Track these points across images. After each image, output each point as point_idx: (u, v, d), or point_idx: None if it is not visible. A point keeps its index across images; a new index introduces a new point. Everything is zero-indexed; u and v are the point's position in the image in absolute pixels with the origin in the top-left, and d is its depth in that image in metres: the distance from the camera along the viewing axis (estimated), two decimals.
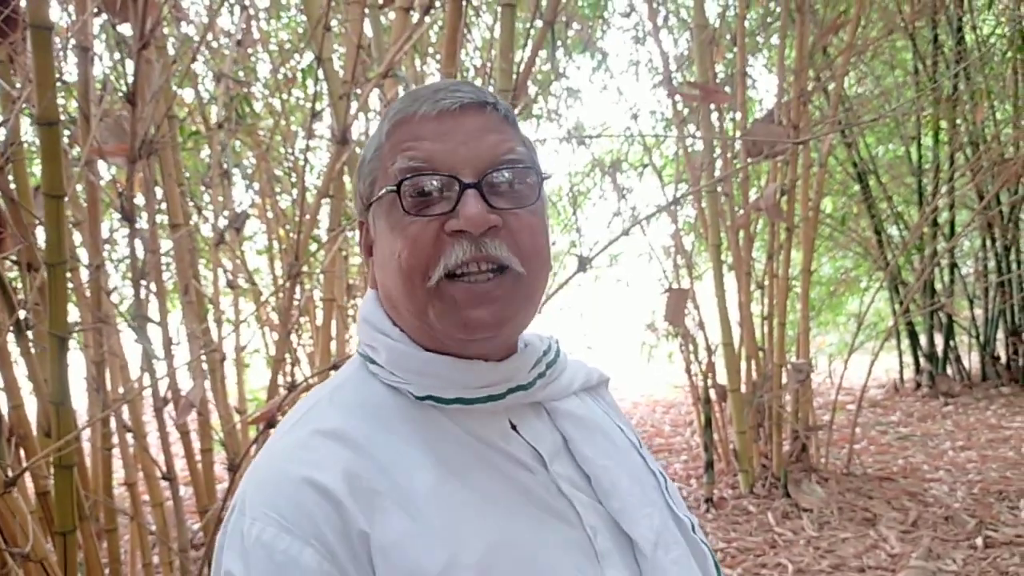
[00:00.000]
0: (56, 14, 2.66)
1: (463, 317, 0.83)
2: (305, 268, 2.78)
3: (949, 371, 7.33)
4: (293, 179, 4.49)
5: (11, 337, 2.08)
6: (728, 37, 4.94)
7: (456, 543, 0.79)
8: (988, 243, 7.10)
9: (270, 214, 4.36)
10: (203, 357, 2.72)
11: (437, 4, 2.42)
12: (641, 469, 0.97)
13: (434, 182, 0.84)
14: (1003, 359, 7.37)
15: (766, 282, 4.75)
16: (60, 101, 2.74)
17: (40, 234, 2.33)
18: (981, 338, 7.37)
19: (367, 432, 0.84)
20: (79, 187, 2.57)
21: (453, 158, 0.84)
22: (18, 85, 2.34)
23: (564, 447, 0.94)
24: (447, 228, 0.83)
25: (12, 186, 2.09)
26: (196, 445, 2.84)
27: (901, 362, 7.62)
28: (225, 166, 3.51)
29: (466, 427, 0.88)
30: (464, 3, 2.21)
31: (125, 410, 2.78)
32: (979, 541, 3.66)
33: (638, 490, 0.93)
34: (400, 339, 0.89)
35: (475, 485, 0.84)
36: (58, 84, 1.93)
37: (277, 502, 0.77)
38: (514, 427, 0.91)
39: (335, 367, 2.32)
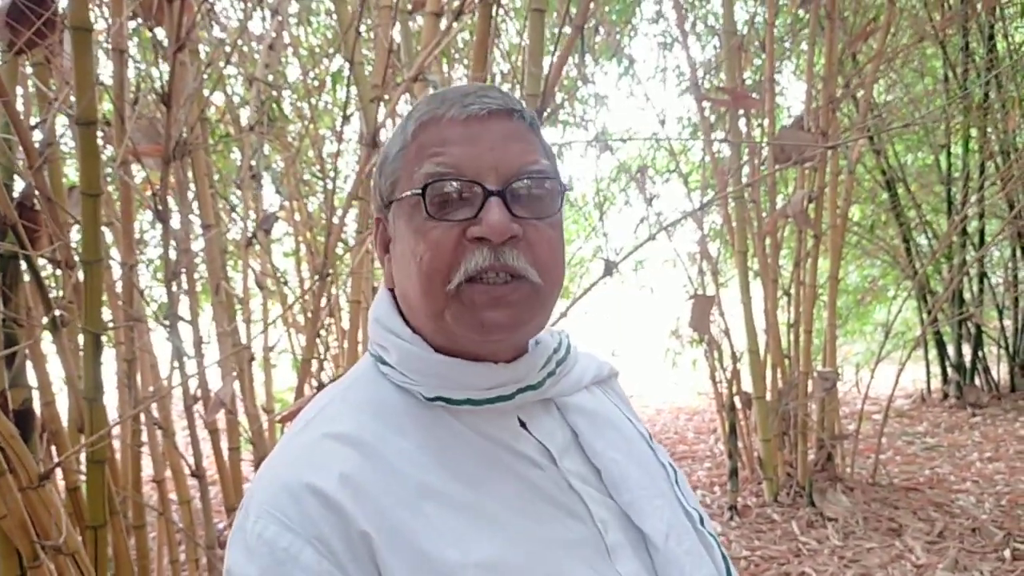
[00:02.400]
0: (91, 17, 2.70)
1: (480, 318, 0.84)
2: (331, 270, 2.80)
3: (977, 382, 7.24)
4: (322, 182, 4.53)
5: (46, 335, 2.12)
6: (756, 43, 4.92)
7: (464, 543, 0.80)
8: (1018, 253, 7.02)
9: (297, 217, 4.39)
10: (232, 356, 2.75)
11: (466, 9, 2.43)
12: (651, 461, 0.98)
13: (459, 188, 0.84)
14: None
15: (793, 289, 4.73)
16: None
17: (74, 233, 2.37)
18: (1010, 349, 7.29)
19: (377, 433, 0.85)
20: (111, 187, 2.61)
21: (479, 164, 0.85)
22: (54, 87, 2.38)
23: (574, 442, 0.96)
24: (468, 234, 0.83)
25: (48, 185, 2.12)
26: (224, 444, 2.87)
27: (929, 372, 7.54)
28: (255, 169, 3.54)
29: (475, 427, 0.89)
30: (494, 8, 2.22)
31: (154, 407, 2.82)
32: (1007, 553, 3.61)
33: (648, 482, 0.94)
34: (411, 340, 0.90)
35: (484, 485, 0.85)
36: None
37: (280, 502, 0.78)
38: (524, 424, 0.92)
39: None
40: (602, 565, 0.86)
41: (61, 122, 2.82)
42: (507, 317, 0.84)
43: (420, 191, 0.85)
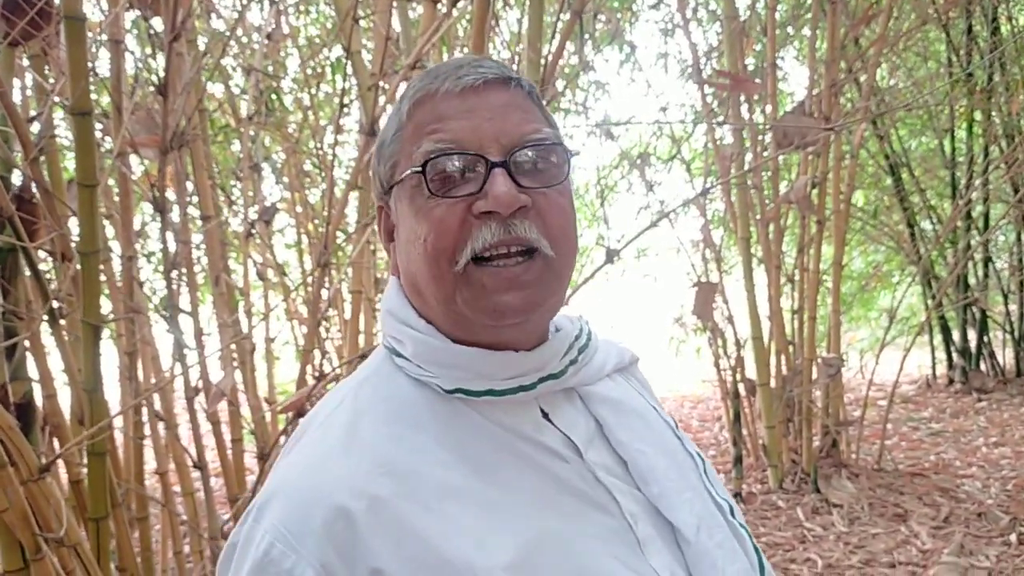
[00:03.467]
0: (89, 9, 2.69)
1: (492, 303, 0.80)
2: (333, 260, 2.79)
3: (983, 366, 7.23)
4: (322, 174, 4.52)
5: (45, 327, 2.11)
6: (758, 28, 4.89)
7: (490, 544, 0.76)
8: (1023, 237, 6.99)
9: (299, 208, 4.39)
10: (233, 347, 2.75)
11: None
12: (678, 451, 0.94)
13: (460, 162, 0.81)
14: None
15: (796, 276, 4.71)
16: (92, 95, 2.77)
17: (73, 225, 2.37)
18: (1016, 333, 7.26)
19: (394, 433, 0.82)
20: (111, 180, 2.60)
21: (479, 136, 0.81)
22: (52, 80, 2.37)
23: (599, 432, 0.92)
24: (475, 209, 0.80)
25: (46, 178, 2.11)
26: (227, 436, 2.87)
27: (934, 357, 7.52)
28: (255, 160, 3.53)
29: (496, 419, 0.85)
30: None
31: (157, 400, 2.81)
32: (1013, 538, 3.61)
33: (676, 474, 0.91)
34: (427, 331, 0.86)
35: (507, 481, 0.82)
36: (91, 77, 1.95)
37: (291, 518, 0.75)
38: (546, 415, 0.89)
39: (364, 356, 2.33)
40: (634, 559, 0.83)
41: (59, 115, 2.82)
42: (521, 300, 0.81)
43: (420, 168, 0.82)
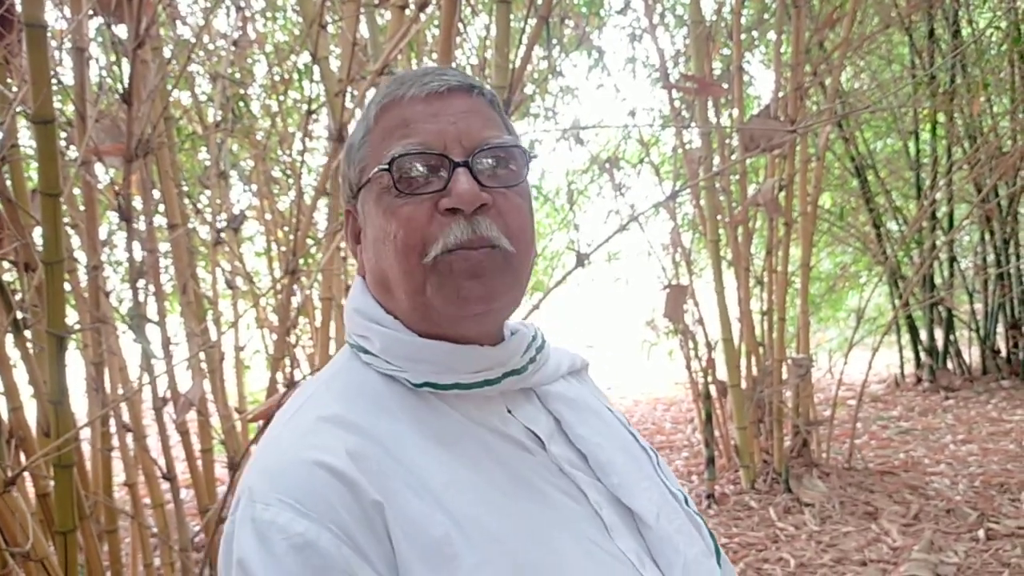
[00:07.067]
0: (52, 16, 2.66)
1: (458, 287, 0.84)
2: (303, 267, 2.77)
3: (949, 365, 7.31)
4: (291, 180, 4.49)
5: (9, 339, 2.08)
6: (724, 33, 4.93)
7: (469, 524, 0.79)
8: (987, 236, 7.09)
9: (268, 215, 4.35)
10: (202, 356, 2.72)
11: (433, 1, 2.42)
12: (633, 445, 0.99)
13: (425, 162, 0.86)
14: (1003, 352, 7.34)
15: (765, 278, 4.74)
16: (57, 103, 2.74)
17: (38, 235, 2.33)
18: (981, 332, 7.36)
19: (369, 419, 0.84)
20: (76, 189, 2.57)
21: (443, 138, 0.86)
22: (15, 88, 2.34)
23: (558, 428, 0.96)
24: (440, 206, 0.85)
25: (9, 185, 2.08)
26: (196, 446, 2.84)
27: (901, 357, 7.61)
28: (222, 167, 3.50)
29: (465, 412, 0.89)
30: (459, 0, 2.21)
31: (125, 411, 2.78)
32: (981, 533, 3.65)
33: (633, 466, 0.95)
34: (394, 326, 0.90)
35: (480, 467, 0.85)
36: (54, 85, 1.93)
37: (288, 486, 0.76)
38: (509, 411, 0.93)
39: None
40: (605, 542, 0.87)
41: (24, 123, 2.78)
42: (483, 286, 0.85)
43: (387, 167, 0.86)
